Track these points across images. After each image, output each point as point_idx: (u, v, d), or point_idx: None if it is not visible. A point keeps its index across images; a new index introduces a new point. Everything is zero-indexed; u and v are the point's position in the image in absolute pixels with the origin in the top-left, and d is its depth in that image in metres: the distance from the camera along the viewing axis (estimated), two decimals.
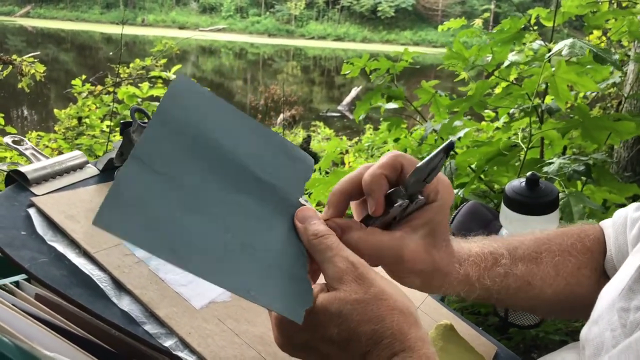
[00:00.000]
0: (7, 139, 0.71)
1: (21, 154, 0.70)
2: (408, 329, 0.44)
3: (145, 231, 0.39)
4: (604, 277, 0.64)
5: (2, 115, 3.29)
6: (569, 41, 1.68)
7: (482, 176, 2.04)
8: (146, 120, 0.78)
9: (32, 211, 0.63)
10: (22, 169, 0.66)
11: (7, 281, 0.70)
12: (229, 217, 0.45)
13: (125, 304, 0.57)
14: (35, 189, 0.65)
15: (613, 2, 3.09)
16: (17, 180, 0.66)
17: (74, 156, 0.72)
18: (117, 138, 3.47)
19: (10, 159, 3.28)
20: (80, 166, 0.72)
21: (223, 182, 0.46)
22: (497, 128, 3.19)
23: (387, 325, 0.44)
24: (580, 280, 0.62)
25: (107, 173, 0.73)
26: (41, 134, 3.53)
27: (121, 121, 0.79)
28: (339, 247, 0.47)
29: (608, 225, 0.67)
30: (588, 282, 0.63)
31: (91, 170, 0.73)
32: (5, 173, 0.67)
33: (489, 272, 0.58)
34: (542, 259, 0.61)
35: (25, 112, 11.84)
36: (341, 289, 0.45)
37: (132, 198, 0.39)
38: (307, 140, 7.35)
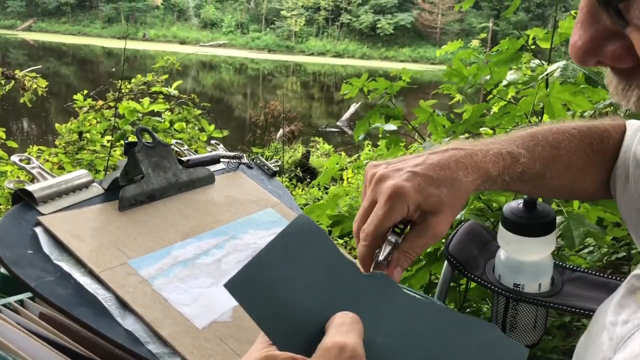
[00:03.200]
0: (15, 158, 0.72)
1: (28, 172, 0.71)
2: None
3: (264, 308, 0.45)
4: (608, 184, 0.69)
5: (4, 129, 3.30)
6: (562, 63, 1.71)
7: (480, 195, 2.05)
8: (151, 141, 0.79)
9: (38, 230, 0.64)
10: (29, 187, 0.67)
11: (11, 300, 0.71)
12: None
13: (129, 323, 0.58)
14: (41, 208, 0.67)
15: None
16: (24, 199, 0.67)
17: (80, 175, 0.74)
18: (118, 152, 3.49)
19: (11, 173, 3.29)
20: (86, 185, 0.73)
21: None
22: None
23: None
24: (585, 177, 0.69)
25: (111, 192, 0.74)
26: (42, 148, 3.55)
27: (125, 141, 0.81)
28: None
29: (630, 126, 0.71)
30: (592, 180, 0.69)
31: (96, 189, 0.74)
32: (13, 191, 0.68)
33: (508, 170, 0.64)
34: (559, 157, 0.67)
35: (25, 126, 11.87)
36: None
37: (261, 279, 0.46)
38: (306, 155, 7.37)
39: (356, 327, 0.45)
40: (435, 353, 0.48)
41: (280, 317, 0.45)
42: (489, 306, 2.24)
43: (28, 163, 0.72)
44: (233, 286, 0.44)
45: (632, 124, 0.71)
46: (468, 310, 2.27)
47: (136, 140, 0.77)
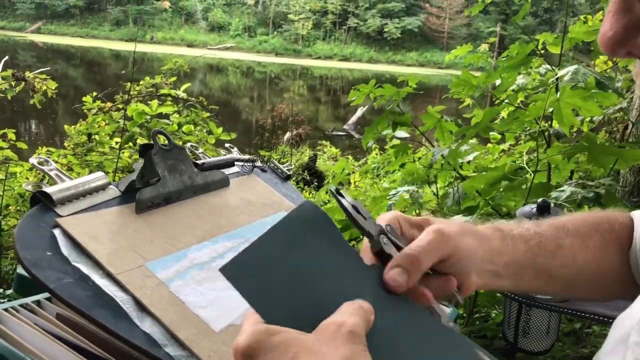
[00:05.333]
0: (33, 160, 0.73)
1: (46, 174, 0.72)
2: None
3: (258, 292, 0.44)
4: (628, 266, 0.65)
5: (14, 131, 3.33)
6: (572, 68, 1.71)
7: (489, 200, 2.05)
8: (166, 143, 0.79)
9: (57, 232, 0.64)
10: (48, 190, 0.67)
11: (28, 300, 0.71)
12: None
13: (147, 325, 0.58)
14: (59, 210, 0.67)
15: None
16: (42, 201, 0.68)
17: (97, 177, 0.74)
18: (127, 154, 3.50)
19: (20, 174, 3.31)
20: (103, 187, 0.73)
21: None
22: (503, 150, 3.21)
23: None
24: (605, 255, 0.64)
25: (128, 194, 0.75)
26: (51, 149, 3.57)
27: (141, 143, 0.81)
28: None
29: (639, 216, 0.68)
30: (613, 259, 0.64)
31: (113, 191, 0.74)
32: (31, 193, 0.69)
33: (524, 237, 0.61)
34: (569, 229, 0.64)
35: (33, 127, 11.95)
36: None
37: (258, 263, 0.45)
38: (314, 159, 7.37)
39: (361, 312, 0.44)
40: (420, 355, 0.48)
41: (278, 303, 0.44)
42: (498, 311, 2.23)
43: (46, 165, 0.73)
44: (228, 271, 0.43)
45: (637, 213, 0.68)
46: (477, 315, 2.26)
47: (152, 142, 0.78)
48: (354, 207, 0.55)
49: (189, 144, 0.93)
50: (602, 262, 0.64)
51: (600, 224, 0.65)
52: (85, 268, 0.61)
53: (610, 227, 0.65)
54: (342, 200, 0.54)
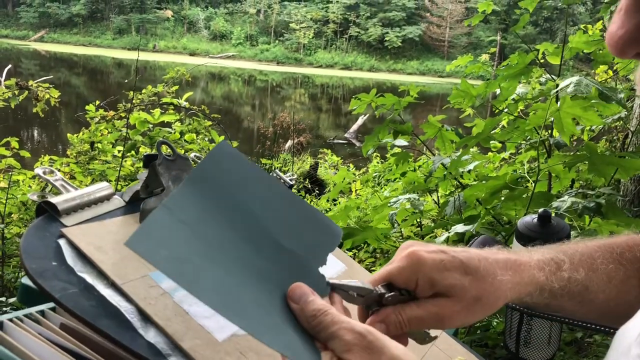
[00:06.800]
0: (39, 170, 0.74)
1: (51, 185, 0.73)
2: None
3: (166, 262, 0.42)
4: None
5: (17, 139, 3.34)
6: (575, 78, 1.72)
7: (490, 209, 2.05)
8: (170, 154, 0.80)
9: (62, 242, 0.65)
10: (53, 200, 0.68)
11: (33, 310, 0.72)
12: (244, 276, 0.47)
13: (151, 335, 0.59)
14: (65, 220, 0.68)
15: None
16: (48, 211, 0.69)
17: (102, 187, 0.75)
18: (129, 163, 3.52)
19: (23, 182, 3.32)
20: (108, 197, 0.74)
21: (246, 244, 0.48)
22: (504, 159, 3.22)
23: None
24: (628, 289, 0.63)
25: (132, 205, 0.75)
26: (54, 157, 3.59)
27: (145, 153, 0.82)
28: (340, 319, 0.45)
29: None
30: (635, 293, 0.64)
31: (117, 201, 0.75)
32: (37, 203, 0.69)
33: (555, 276, 0.59)
34: (598, 265, 0.62)
35: (36, 135, 11.99)
36: None
37: (158, 236, 0.43)
38: (315, 167, 7.38)
39: (341, 317, 0.46)
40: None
41: (195, 264, 0.43)
42: (499, 320, 2.22)
43: (51, 175, 0.74)
44: (135, 243, 0.41)
45: None
46: (477, 324, 2.25)
47: (156, 153, 0.79)
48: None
49: (192, 154, 0.93)
50: (626, 297, 0.63)
51: (623, 253, 0.64)
52: (90, 278, 0.62)
53: (633, 257, 0.64)
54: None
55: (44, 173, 0.74)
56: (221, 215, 0.47)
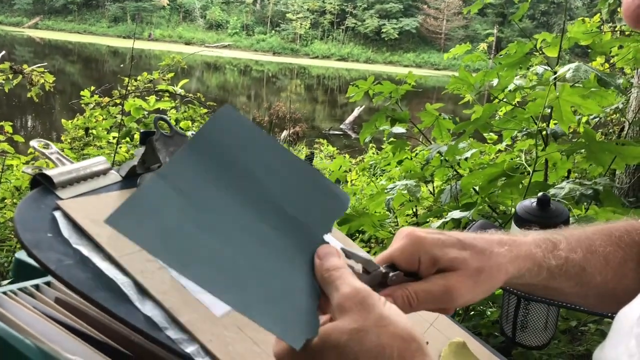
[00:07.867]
0: (34, 143, 0.73)
1: (47, 158, 0.71)
2: (411, 357, 0.44)
3: (153, 237, 0.41)
4: None
5: (10, 123, 3.31)
6: (573, 65, 1.71)
7: (486, 197, 2.05)
8: (168, 131, 0.79)
9: (57, 214, 0.64)
10: (49, 172, 0.67)
11: (27, 284, 0.71)
12: (244, 243, 0.46)
13: (148, 309, 0.58)
14: (60, 193, 0.67)
15: (617, 30, 3.14)
16: (43, 183, 0.67)
17: (98, 162, 0.74)
18: (124, 149, 3.49)
19: (17, 167, 3.30)
20: (104, 172, 0.73)
21: (247, 211, 0.47)
22: (500, 150, 3.22)
23: (388, 355, 0.43)
24: (625, 272, 0.64)
25: (129, 180, 0.74)
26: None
27: (142, 130, 0.80)
28: (347, 276, 0.47)
29: None
30: (633, 275, 0.64)
31: (114, 176, 0.74)
32: (31, 176, 0.68)
33: (551, 254, 0.59)
34: (596, 247, 0.63)
35: (30, 122, 11.90)
36: (341, 318, 0.44)
37: (149, 208, 0.41)
38: (310, 157, 7.37)
39: (348, 274, 0.47)
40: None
41: (186, 233, 0.42)
42: (494, 309, 2.23)
43: (47, 148, 0.72)
44: (113, 220, 0.40)
45: None
46: (472, 312, 2.26)
47: (153, 130, 0.77)
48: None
49: (190, 133, 0.92)
50: (621, 279, 0.64)
51: (622, 237, 0.65)
52: (86, 250, 0.61)
53: (631, 241, 0.65)
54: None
55: (40, 146, 0.73)
56: (222, 181, 0.46)
